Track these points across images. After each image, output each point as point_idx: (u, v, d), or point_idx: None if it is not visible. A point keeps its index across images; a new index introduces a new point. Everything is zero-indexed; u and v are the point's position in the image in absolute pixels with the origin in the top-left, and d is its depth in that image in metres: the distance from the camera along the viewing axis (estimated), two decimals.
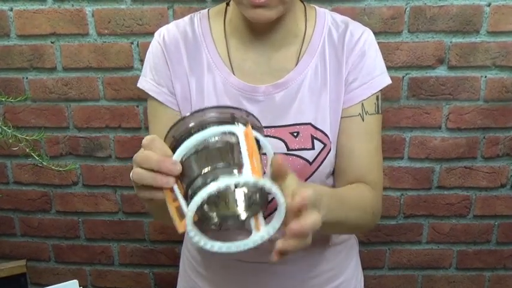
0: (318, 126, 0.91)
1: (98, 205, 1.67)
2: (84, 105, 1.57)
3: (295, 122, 0.91)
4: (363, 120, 0.93)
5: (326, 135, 0.91)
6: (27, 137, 1.14)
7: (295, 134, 0.90)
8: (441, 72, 1.48)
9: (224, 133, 0.63)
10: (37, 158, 1.11)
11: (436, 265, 1.70)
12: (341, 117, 0.93)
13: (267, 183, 0.58)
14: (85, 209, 1.69)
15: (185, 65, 0.94)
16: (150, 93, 0.96)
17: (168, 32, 0.95)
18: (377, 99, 0.94)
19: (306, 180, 0.92)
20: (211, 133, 0.63)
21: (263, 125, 0.87)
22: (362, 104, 0.93)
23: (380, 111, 0.95)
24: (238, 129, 0.63)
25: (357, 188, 0.91)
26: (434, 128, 1.53)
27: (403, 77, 1.49)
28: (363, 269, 1.17)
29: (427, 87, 1.49)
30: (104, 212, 1.69)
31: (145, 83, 0.97)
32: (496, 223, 1.64)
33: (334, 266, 1.03)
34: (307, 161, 0.91)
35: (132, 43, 1.50)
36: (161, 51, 0.94)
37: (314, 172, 0.92)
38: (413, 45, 1.46)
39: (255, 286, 0.99)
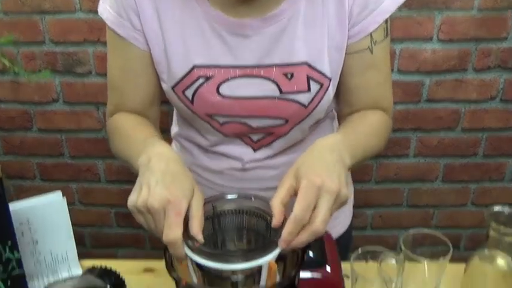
0: (315, 66, 0.84)
1: (81, 122, 1.68)
2: (60, 18, 1.53)
3: (289, 62, 0.84)
4: (372, 52, 0.86)
5: (323, 74, 0.85)
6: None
7: (289, 75, 0.84)
8: None
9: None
10: (14, 68, 1.08)
11: (423, 178, 1.76)
12: (346, 54, 0.86)
13: None
14: (67, 127, 1.69)
15: None
16: (108, 23, 0.85)
17: None
18: (386, 22, 0.85)
19: (299, 122, 0.90)
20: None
21: (252, 63, 0.83)
22: (371, 35, 0.85)
23: (389, 33, 0.87)
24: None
25: (367, 118, 0.89)
26: (425, 39, 1.52)
27: None
28: None
29: None
30: (87, 130, 1.70)
31: (104, 10, 0.86)
32: (484, 136, 1.68)
33: None
34: (302, 104, 0.86)
35: None
36: None
37: (309, 114, 0.89)
38: None
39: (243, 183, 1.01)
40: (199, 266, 0.64)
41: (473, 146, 1.70)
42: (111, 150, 0.94)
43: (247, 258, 0.61)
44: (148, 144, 0.74)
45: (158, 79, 0.91)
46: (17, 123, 1.69)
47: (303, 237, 0.62)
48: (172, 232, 0.62)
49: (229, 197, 0.73)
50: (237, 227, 0.73)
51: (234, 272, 0.64)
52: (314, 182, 0.62)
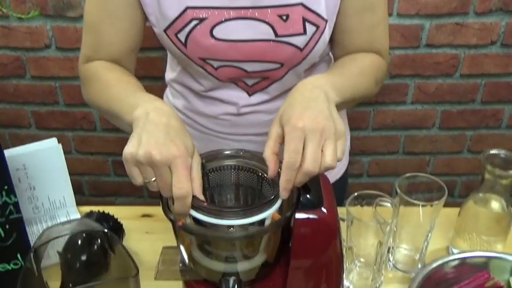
0: (311, 7, 0.82)
1: (74, 69, 1.65)
2: None
3: (284, 3, 0.81)
4: None
5: (319, 16, 0.83)
6: None
7: (284, 17, 0.82)
8: None
9: None
10: (2, 9, 1.05)
11: (420, 125, 1.77)
12: None
13: None
14: (61, 74, 1.67)
15: None
16: None
17: None
18: None
19: (295, 66, 0.89)
20: None
21: (246, 4, 0.81)
22: None
23: None
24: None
25: (357, 60, 0.88)
26: None
27: None
28: None
29: None
30: None
31: None
32: (483, 82, 1.67)
33: None
34: (297, 47, 0.85)
35: None
36: None
37: (305, 58, 0.88)
38: None
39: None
40: (199, 223, 0.65)
41: (471, 92, 1.69)
42: (84, 97, 0.91)
43: (251, 213, 0.61)
44: (142, 98, 0.72)
45: (141, 23, 0.88)
46: (9, 70, 1.67)
47: (298, 179, 0.62)
48: (183, 185, 0.61)
49: (219, 152, 0.72)
50: (228, 183, 0.73)
51: (230, 227, 0.64)
52: (296, 125, 0.62)
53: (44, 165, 0.95)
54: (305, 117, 0.63)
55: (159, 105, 0.69)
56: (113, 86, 0.82)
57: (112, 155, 1.86)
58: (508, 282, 0.81)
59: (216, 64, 0.87)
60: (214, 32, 0.83)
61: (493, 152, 0.84)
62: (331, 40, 0.91)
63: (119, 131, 1.80)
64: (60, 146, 0.96)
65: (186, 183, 0.61)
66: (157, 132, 0.63)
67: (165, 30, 0.85)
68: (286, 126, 0.63)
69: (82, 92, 0.92)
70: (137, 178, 0.64)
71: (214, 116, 0.97)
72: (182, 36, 0.84)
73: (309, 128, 0.62)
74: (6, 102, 1.74)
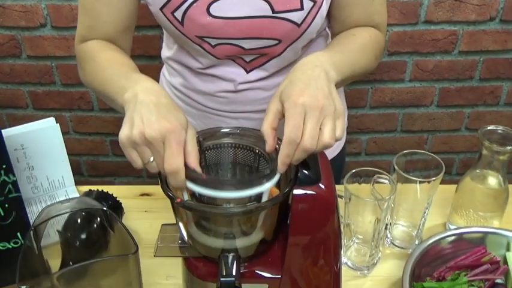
0: None
1: (71, 48, 1.64)
2: None
3: None
4: None
5: None
6: None
7: None
8: None
9: None
10: None
11: (418, 103, 1.77)
12: None
13: None
14: (57, 53, 1.66)
15: None
16: None
17: None
18: None
19: (292, 42, 0.88)
20: None
21: None
22: None
23: None
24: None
25: (355, 35, 0.87)
26: None
27: None
28: None
29: None
30: None
31: None
32: (481, 59, 1.66)
33: None
34: (295, 23, 0.84)
35: None
36: None
37: (302, 34, 0.87)
38: None
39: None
40: (198, 199, 0.65)
41: (470, 69, 1.69)
42: (80, 78, 0.91)
43: (249, 185, 0.61)
44: (132, 79, 0.72)
45: (136, 1, 0.88)
46: (5, 50, 1.66)
47: (296, 156, 0.63)
48: (174, 161, 0.61)
49: (216, 130, 0.73)
50: (225, 161, 0.73)
51: (228, 201, 0.65)
52: (297, 102, 0.62)
53: (42, 144, 0.96)
54: (305, 95, 0.63)
55: (147, 85, 0.69)
56: (105, 68, 0.82)
57: (110, 135, 1.86)
58: (504, 257, 0.82)
59: (213, 42, 0.87)
60: (211, 10, 0.82)
61: (490, 127, 0.85)
62: (329, 15, 0.91)
63: (116, 111, 1.77)
64: (58, 125, 0.96)
65: (177, 158, 0.61)
66: (147, 111, 0.63)
67: (161, 9, 0.84)
68: (287, 102, 0.63)
69: (79, 73, 0.92)
70: (137, 161, 0.65)
71: (212, 94, 0.97)
72: (179, 14, 0.83)
73: (309, 106, 0.62)
74: (2, 83, 1.74)
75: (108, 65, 0.82)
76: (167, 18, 0.85)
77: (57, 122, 0.96)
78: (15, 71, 1.71)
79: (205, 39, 0.86)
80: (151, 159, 0.63)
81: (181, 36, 0.87)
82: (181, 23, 0.84)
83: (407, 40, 1.62)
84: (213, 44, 0.87)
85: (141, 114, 0.63)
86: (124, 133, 0.63)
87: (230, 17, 0.83)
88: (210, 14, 0.83)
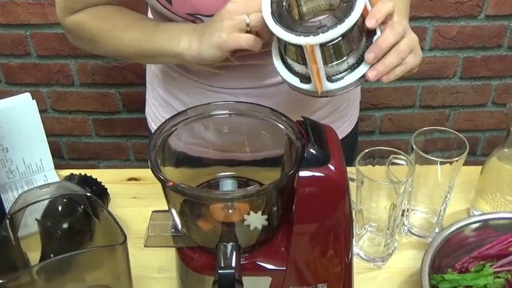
0: None
1: (47, 15, 1.63)
2: None
3: None
4: None
5: None
6: None
7: None
8: None
9: None
10: None
11: (439, 75, 1.76)
12: None
13: None
14: (32, 21, 1.65)
15: None
16: None
17: None
18: None
19: None
20: None
21: None
22: None
23: None
24: None
25: None
26: None
27: None
28: None
29: None
30: (55, 24, 1.66)
31: None
32: (510, 24, 1.65)
33: None
34: None
35: None
36: None
37: None
38: None
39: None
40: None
41: (497, 36, 1.68)
42: (82, 47, 0.94)
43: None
44: (177, 24, 0.86)
45: None
46: None
47: (388, 59, 0.74)
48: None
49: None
50: None
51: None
52: (401, 23, 0.73)
53: (17, 123, 0.96)
54: (407, 27, 0.75)
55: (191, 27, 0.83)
56: (131, 27, 0.89)
57: (93, 113, 1.87)
58: None
59: (206, 20, 0.87)
60: None
61: None
62: None
63: (99, 86, 1.79)
64: (34, 101, 0.96)
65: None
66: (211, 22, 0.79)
67: None
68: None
69: (79, 45, 0.96)
70: (250, 40, 0.76)
71: (208, 70, 0.97)
72: None
73: (409, 36, 0.75)
74: None
75: (133, 24, 0.90)
76: None
77: (33, 98, 0.96)
78: None
79: (197, 16, 0.86)
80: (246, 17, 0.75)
81: (171, 14, 0.88)
82: (169, 1, 0.85)
83: (427, 3, 1.61)
84: (205, 21, 0.87)
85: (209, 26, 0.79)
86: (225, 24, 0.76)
87: None
88: None
